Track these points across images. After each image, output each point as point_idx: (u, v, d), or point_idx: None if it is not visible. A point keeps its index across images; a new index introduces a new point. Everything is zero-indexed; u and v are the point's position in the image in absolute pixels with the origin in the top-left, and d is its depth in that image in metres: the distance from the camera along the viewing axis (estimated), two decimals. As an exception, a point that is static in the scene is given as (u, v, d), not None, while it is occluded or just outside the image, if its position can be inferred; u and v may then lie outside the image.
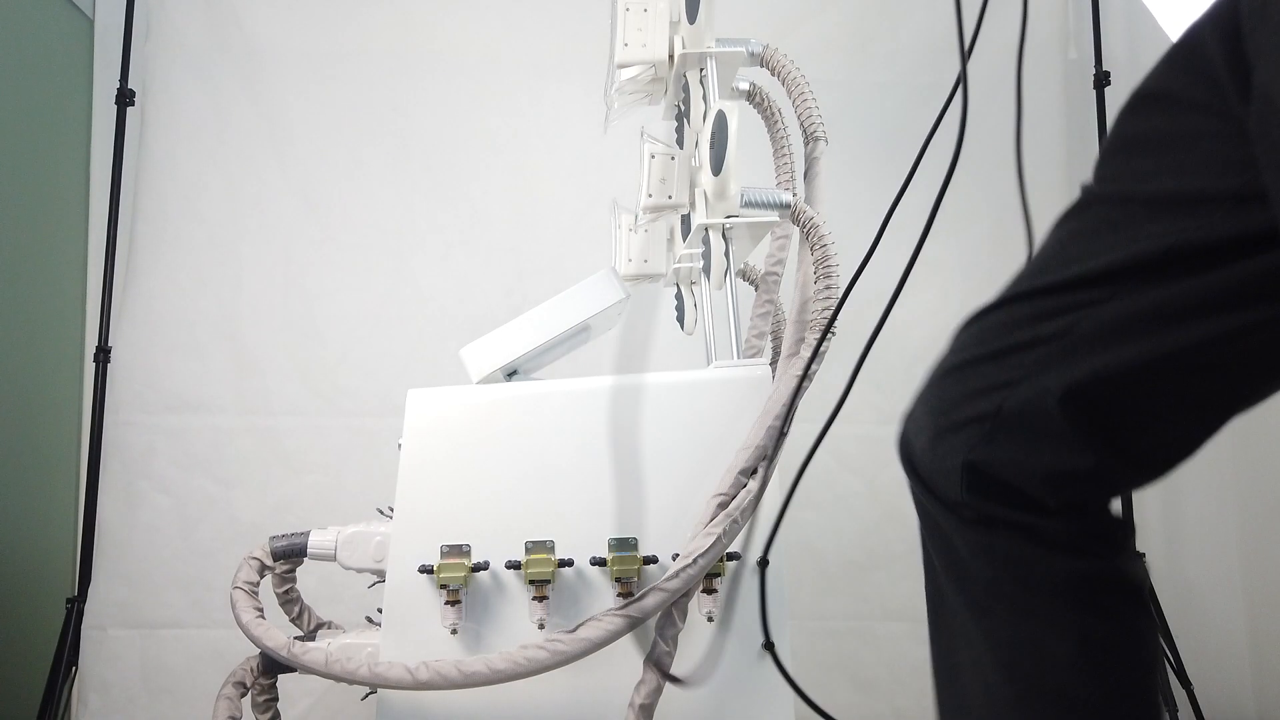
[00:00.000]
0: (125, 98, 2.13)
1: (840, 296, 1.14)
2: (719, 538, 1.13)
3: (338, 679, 1.17)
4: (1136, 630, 0.74)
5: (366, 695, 1.23)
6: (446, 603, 1.19)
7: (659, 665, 1.11)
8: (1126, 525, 0.76)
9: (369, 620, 1.35)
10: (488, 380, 1.36)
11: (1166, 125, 0.72)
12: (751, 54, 1.39)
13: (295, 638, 1.24)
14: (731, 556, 1.19)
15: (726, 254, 1.30)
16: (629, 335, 1.37)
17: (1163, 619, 1.98)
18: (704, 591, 1.18)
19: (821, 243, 1.25)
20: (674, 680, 1.11)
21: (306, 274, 2.15)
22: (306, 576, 1.43)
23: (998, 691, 0.75)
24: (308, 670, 1.19)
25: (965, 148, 1.11)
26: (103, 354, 2.05)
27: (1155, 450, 0.74)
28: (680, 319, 1.60)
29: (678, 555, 1.14)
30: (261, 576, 1.31)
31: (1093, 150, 2.23)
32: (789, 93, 1.37)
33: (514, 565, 1.20)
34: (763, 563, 1.20)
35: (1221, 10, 0.68)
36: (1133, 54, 2.30)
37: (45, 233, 2.07)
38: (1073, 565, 0.73)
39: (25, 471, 1.96)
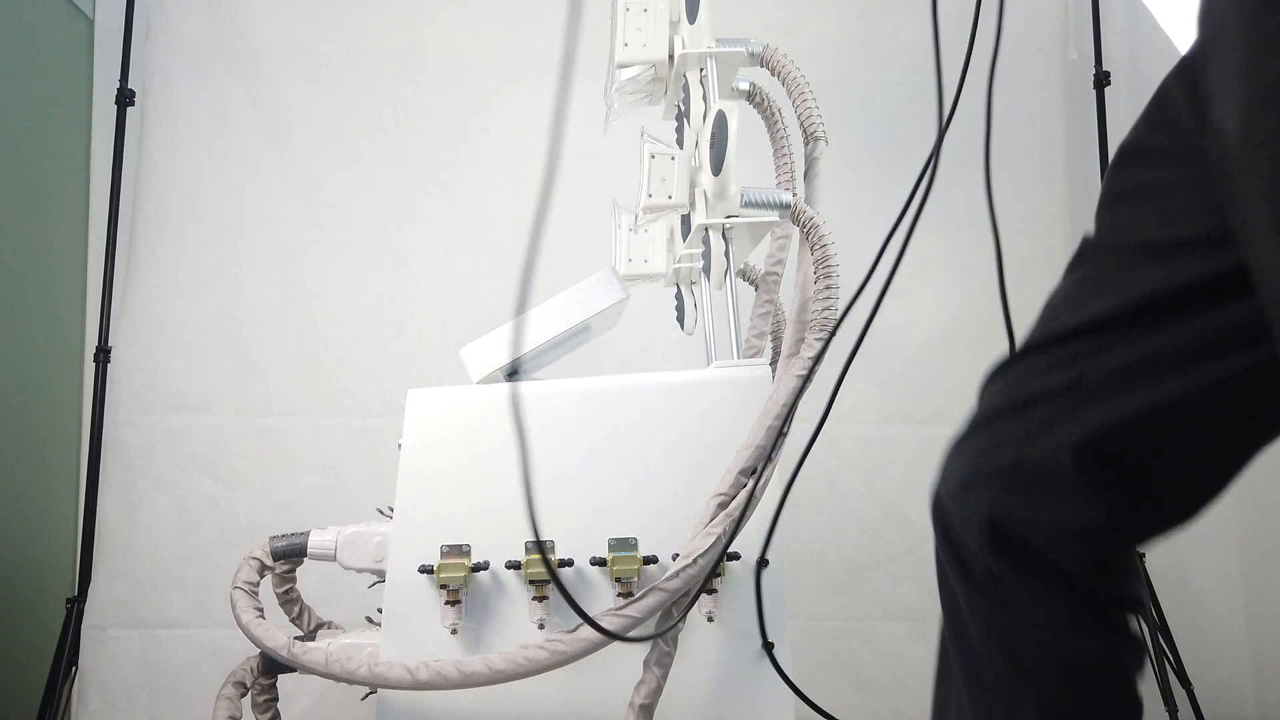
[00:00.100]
0: (125, 98, 2.13)
1: (849, 301, 1.13)
2: (719, 538, 1.13)
3: (338, 679, 1.17)
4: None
5: (366, 695, 1.23)
6: (446, 603, 1.19)
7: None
8: (1135, 603, 0.75)
9: (369, 620, 1.35)
10: (488, 380, 1.36)
11: (1147, 177, 0.74)
12: (751, 54, 1.39)
13: (295, 638, 1.24)
14: (731, 556, 1.19)
15: (726, 254, 1.30)
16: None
17: (1163, 619, 1.98)
18: (704, 591, 1.18)
19: (821, 243, 1.25)
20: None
21: (306, 274, 2.15)
22: (306, 576, 1.43)
23: None
24: (308, 670, 1.19)
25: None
26: (103, 354, 2.05)
27: (1173, 499, 0.73)
28: (680, 319, 1.60)
29: (678, 555, 1.14)
30: (261, 576, 1.31)
31: (1093, 150, 2.24)
32: (789, 93, 1.37)
33: (514, 565, 1.20)
34: (762, 563, 1.20)
35: (1184, 61, 0.71)
36: (1133, 54, 2.30)
37: (45, 233, 2.07)
38: (1071, 647, 0.73)
39: (25, 471, 1.96)
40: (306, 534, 1.31)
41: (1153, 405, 0.68)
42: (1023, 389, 0.76)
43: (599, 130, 1.49)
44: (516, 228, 2.20)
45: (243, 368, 2.10)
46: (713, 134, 1.26)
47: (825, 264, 1.23)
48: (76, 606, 1.94)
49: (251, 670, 1.27)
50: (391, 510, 1.27)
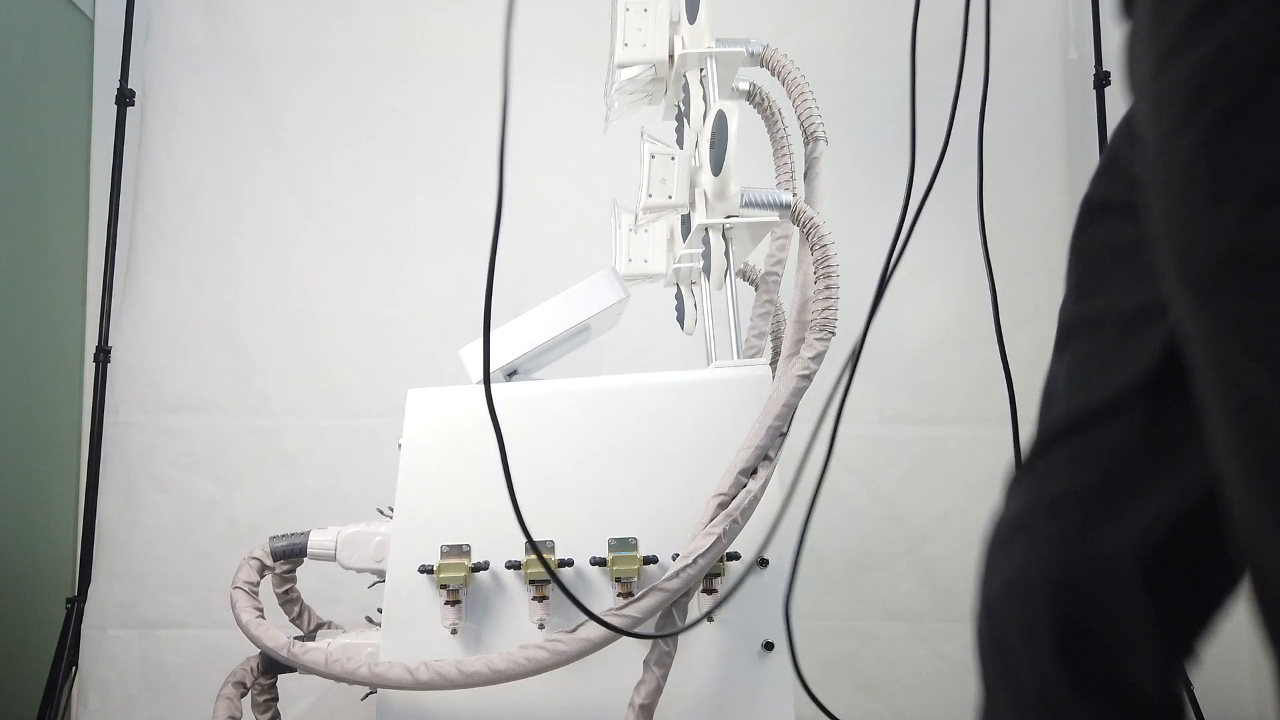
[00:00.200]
0: (125, 98, 2.13)
1: (870, 312, 1.10)
2: (719, 538, 1.13)
3: (338, 679, 1.17)
4: None
5: (366, 695, 1.23)
6: (446, 603, 1.19)
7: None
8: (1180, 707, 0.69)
9: (369, 620, 1.35)
10: (488, 380, 1.36)
11: (1112, 235, 0.70)
12: (751, 54, 1.39)
13: (295, 638, 1.24)
14: (731, 556, 1.19)
15: (726, 254, 1.30)
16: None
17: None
18: (704, 591, 1.18)
19: (821, 243, 1.25)
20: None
21: (306, 274, 2.15)
22: (306, 576, 1.43)
23: None
24: (308, 670, 1.19)
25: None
26: (103, 354, 2.05)
27: (1230, 578, 0.67)
28: (680, 319, 1.60)
29: (678, 555, 1.14)
30: (261, 576, 1.31)
31: (1093, 150, 2.23)
32: (789, 93, 1.37)
33: (514, 565, 1.20)
34: (761, 562, 1.20)
35: (1128, 112, 0.68)
36: (1133, 54, 2.29)
37: (45, 233, 2.07)
38: None
39: (25, 471, 1.96)
40: (306, 534, 1.32)
41: (1186, 495, 0.62)
42: (1050, 489, 0.71)
43: (599, 130, 1.49)
44: (516, 227, 2.20)
45: (243, 368, 2.10)
46: (713, 134, 1.26)
47: (825, 264, 1.23)
48: (76, 606, 1.94)
49: (251, 670, 1.27)
50: (391, 510, 1.27)
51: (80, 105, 2.18)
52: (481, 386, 1.35)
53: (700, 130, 1.33)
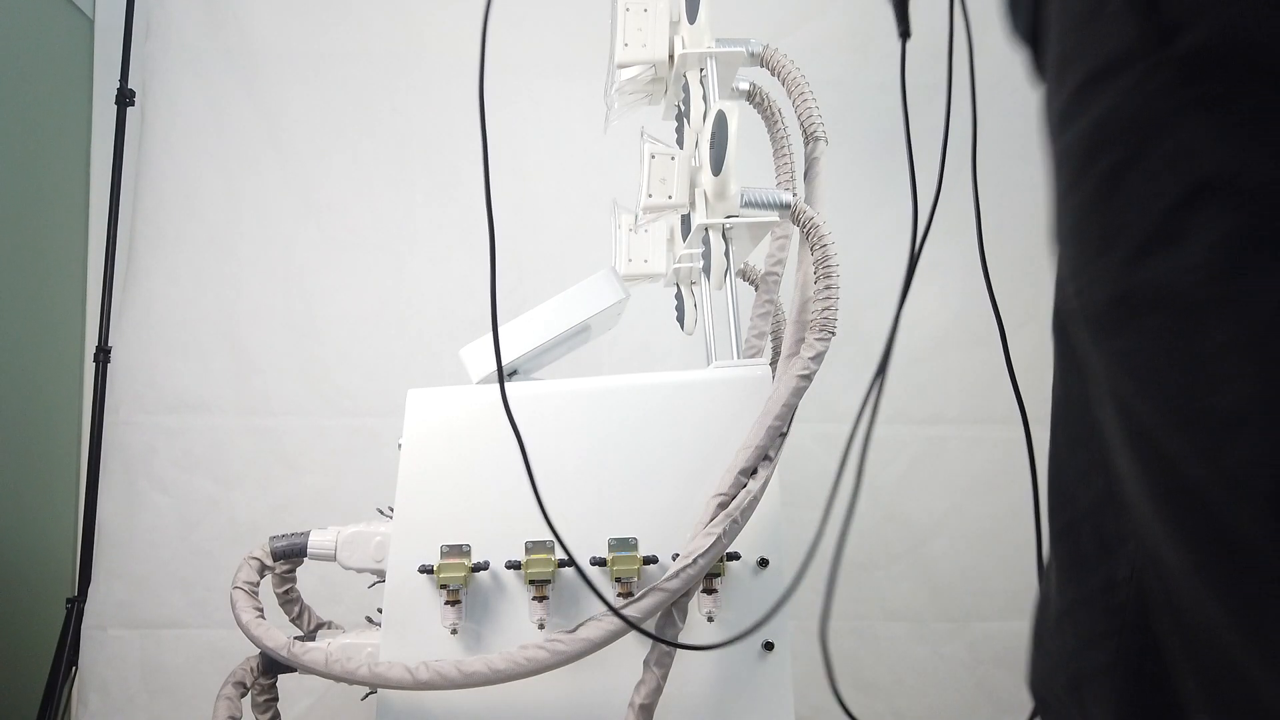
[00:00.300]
0: (125, 98, 2.14)
1: (893, 325, 1.09)
2: (719, 538, 1.13)
3: (338, 679, 1.17)
4: None
5: (366, 695, 1.23)
6: (446, 603, 1.19)
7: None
8: None
9: (369, 620, 1.35)
10: (488, 380, 1.36)
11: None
12: (751, 54, 1.39)
13: (295, 638, 1.24)
14: (731, 557, 1.19)
15: (726, 254, 1.30)
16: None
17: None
18: (704, 591, 1.18)
19: (821, 243, 1.25)
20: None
21: (306, 274, 2.15)
22: (306, 576, 1.43)
23: None
24: (308, 670, 1.19)
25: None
26: (103, 354, 2.05)
27: None
28: (680, 319, 1.60)
29: (678, 555, 1.14)
30: (261, 576, 1.31)
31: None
32: (789, 93, 1.37)
33: (514, 565, 1.20)
34: (761, 563, 1.20)
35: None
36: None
37: (45, 233, 2.07)
38: None
39: (25, 471, 1.96)
40: (306, 534, 1.32)
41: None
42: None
43: (599, 130, 1.49)
44: (516, 227, 2.20)
45: (243, 368, 2.10)
46: (713, 134, 1.26)
47: (825, 264, 1.23)
48: (76, 606, 1.94)
49: (251, 670, 1.27)
50: (391, 510, 1.27)
51: (80, 105, 2.18)
52: (481, 387, 1.35)
53: (700, 130, 1.33)
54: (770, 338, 1.44)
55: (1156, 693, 0.60)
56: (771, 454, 1.18)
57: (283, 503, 2.05)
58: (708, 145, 1.28)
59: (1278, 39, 0.45)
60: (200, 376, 2.08)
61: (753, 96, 1.44)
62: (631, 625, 1.10)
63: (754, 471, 1.17)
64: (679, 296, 1.60)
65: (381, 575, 1.27)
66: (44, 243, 2.06)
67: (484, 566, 1.20)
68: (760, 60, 1.39)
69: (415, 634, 1.20)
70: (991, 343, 1.16)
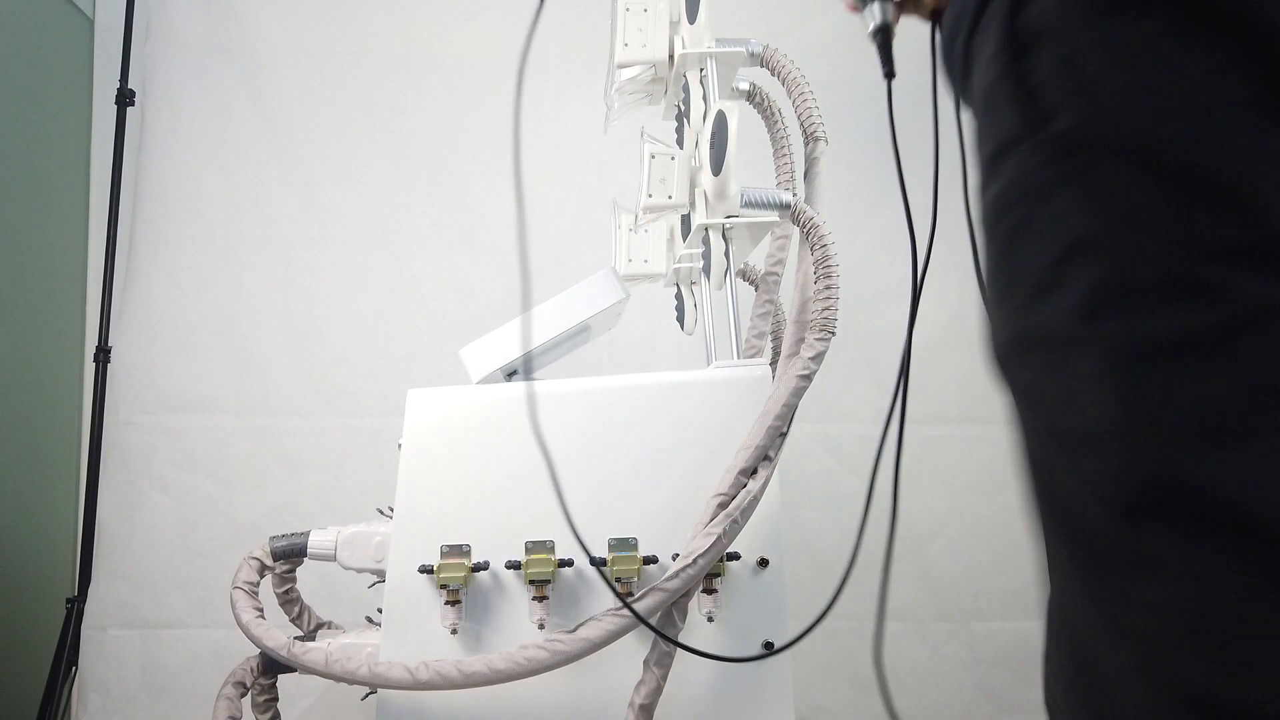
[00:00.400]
0: (125, 98, 2.14)
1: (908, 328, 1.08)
2: (719, 538, 1.13)
3: (338, 679, 1.17)
4: None
5: (366, 695, 1.23)
6: (446, 603, 1.19)
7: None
8: None
9: (369, 620, 1.35)
10: (488, 380, 1.36)
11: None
12: (751, 54, 1.39)
13: (295, 638, 1.24)
14: (731, 557, 1.19)
15: (726, 254, 1.30)
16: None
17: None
18: (704, 591, 1.18)
19: (821, 243, 1.25)
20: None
21: (306, 274, 2.15)
22: (306, 576, 1.43)
23: None
24: (308, 670, 1.19)
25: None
26: (103, 354, 2.05)
27: None
28: (680, 319, 1.60)
29: (678, 555, 1.14)
30: (261, 576, 1.31)
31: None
32: (789, 93, 1.37)
33: (514, 565, 1.20)
34: (761, 562, 1.20)
35: None
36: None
37: (45, 233, 2.07)
38: None
39: (25, 471, 1.96)
40: (306, 534, 1.32)
41: None
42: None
43: (599, 130, 1.49)
44: (516, 227, 2.20)
45: (243, 368, 2.10)
46: (713, 134, 1.26)
47: (825, 264, 1.23)
48: (76, 606, 1.94)
49: (251, 670, 1.27)
50: (391, 510, 1.27)
51: (80, 105, 2.18)
52: (481, 387, 1.36)
53: (700, 130, 1.33)
54: (770, 338, 1.44)
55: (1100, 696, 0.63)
56: (771, 454, 1.18)
57: (283, 503, 2.05)
58: (708, 145, 1.28)
59: (1124, 124, 0.55)
60: (200, 376, 2.08)
61: (753, 96, 1.44)
62: (675, 643, 1.10)
63: (754, 471, 1.17)
64: (679, 296, 1.60)
65: (381, 575, 1.27)
66: (44, 243, 2.06)
67: (484, 566, 1.21)
68: (760, 60, 1.39)
69: (415, 634, 1.20)
70: (991, 343, 1.16)
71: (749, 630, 1.19)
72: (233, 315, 2.12)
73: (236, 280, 2.13)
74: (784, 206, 1.29)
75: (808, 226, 1.28)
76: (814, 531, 2.11)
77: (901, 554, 2.14)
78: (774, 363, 1.36)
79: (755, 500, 1.16)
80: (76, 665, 1.93)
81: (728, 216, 1.28)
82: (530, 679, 1.12)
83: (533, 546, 1.19)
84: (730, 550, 1.17)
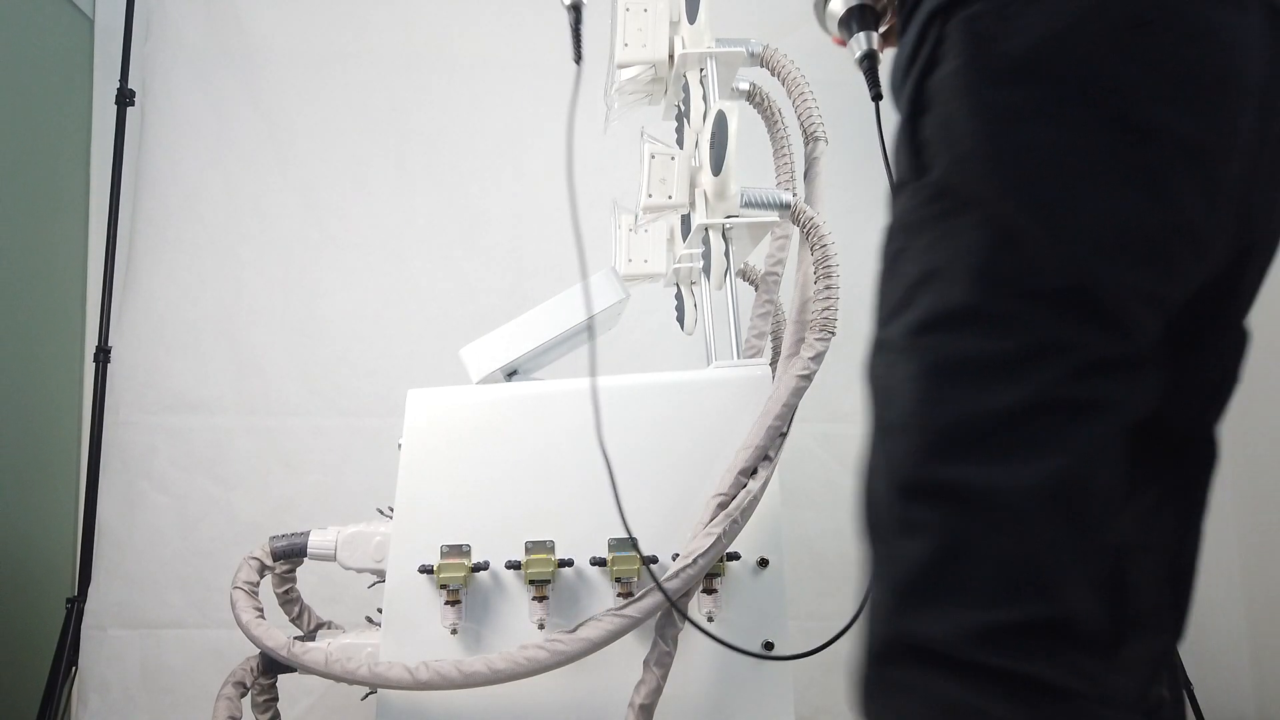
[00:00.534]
0: (125, 98, 2.13)
1: None
2: (719, 538, 1.13)
3: (338, 679, 1.18)
4: None
5: (366, 695, 1.23)
6: (446, 603, 1.19)
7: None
8: None
9: (369, 620, 1.35)
10: (488, 380, 1.36)
11: None
12: (751, 54, 1.39)
13: (295, 638, 1.24)
14: (731, 556, 1.19)
15: (726, 254, 1.30)
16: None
17: (1163, 619, 1.98)
18: (704, 591, 1.18)
19: (821, 243, 1.25)
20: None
21: (307, 274, 2.15)
22: (306, 576, 1.43)
23: None
24: (308, 670, 1.19)
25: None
26: (103, 354, 2.05)
27: None
28: (680, 319, 1.60)
29: (678, 555, 1.14)
30: (261, 576, 1.31)
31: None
32: (789, 93, 1.37)
33: (514, 565, 1.20)
34: (761, 562, 1.20)
35: None
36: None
37: (45, 233, 2.07)
38: None
39: (25, 471, 1.96)
40: (306, 534, 1.32)
41: None
42: None
43: (599, 130, 1.49)
44: (516, 227, 2.21)
45: (243, 368, 2.10)
46: (713, 134, 1.26)
47: (825, 264, 1.23)
48: (76, 606, 1.94)
49: (251, 670, 1.27)
50: (391, 510, 1.27)
51: (80, 105, 2.18)
52: (481, 387, 1.36)
53: (700, 130, 1.33)
54: (770, 338, 1.44)
55: None
56: (771, 454, 1.18)
57: (283, 503, 2.05)
58: (708, 145, 1.28)
59: (973, 181, 0.66)
60: (200, 376, 2.08)
61: (753, 96, 1.44)
62: (705, 629, 1.10)
63: (754, 471, 1.17)
64: (679, 296, 1.60)
65: (381, 575, 1.27)
66: (44, 243, 2.06)
67: (484, 566, 1.20)
68: (760, 60, 1.39)
69: (415, 634, 1.20)
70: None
71: (749, 630, 1.19)
72: (233, 315, 2.12)
73: (236, 280, 2.13)
74: (784, 206, 1.29)
75: (808, 226, 1.28)
76: (814, 531, 2.10)
77: (901, 554, 2.14)
78: (774, 363, 1.36)
79: (755, 500, 1.16)
80: (76, 665, 1.93)
81: (728, 216, 1.28)
82: (530, 679, 1.12)
83: (533, 546, 1.19)
84: (730, 550, 1.17)
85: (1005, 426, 0.61)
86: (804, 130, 1.36)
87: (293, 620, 1.44)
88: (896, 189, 0.73)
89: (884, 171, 0.94)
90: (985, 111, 0.66)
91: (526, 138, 2.23)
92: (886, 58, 1.03)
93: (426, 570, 1.20)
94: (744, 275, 1.54)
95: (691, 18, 1.39)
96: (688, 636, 1.18)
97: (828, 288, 1.22)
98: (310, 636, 1.32)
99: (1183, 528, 0.80)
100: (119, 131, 2.13)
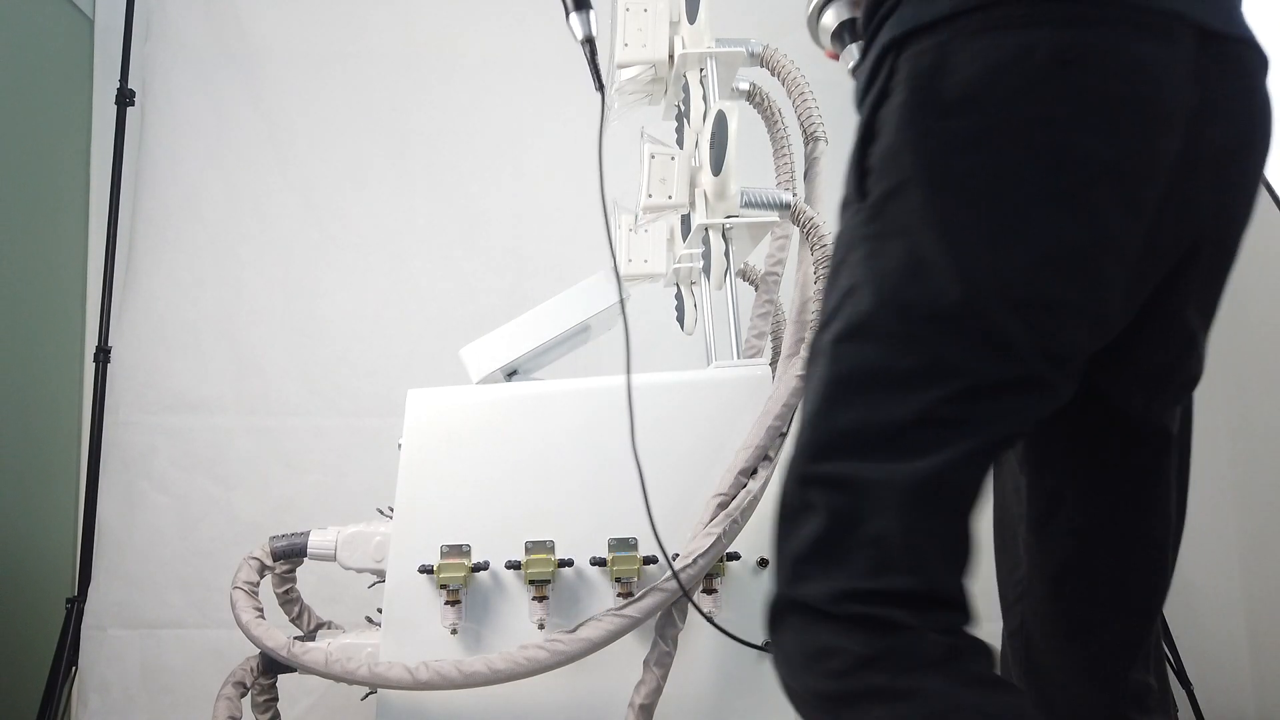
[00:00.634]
0: (125, 98, 2.13)
1: None
2: (719, 538, 1.13)
3: (338, 679, 1.18)
4: None
5: (366, 695, 1.23)
6: (446, 603, 1.19)
7: None
8: None
9: (369, 620, 1.35)
10: (488, 380, 1.36)
11: None
12: (751, 54, 1.39)
13: (295, 638, 1.24)
14: (731, 556, 1.19)
15: (726, 254, 1.30)
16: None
17: (1163, 619, 1.98)
18: (704, 591, 1.18)
19: (821, 243, 1.25)
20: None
21: (307, 274, 2.15)
22: (306, 576, 1.43)
23: None
24: (308, 670, 1.19)
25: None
26: (103, 354, 2.05)
27: None
28: (680, 319, 1.60)
29: (678, 555, 1.14)
30: (261, 576, 1.31)
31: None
32: (789, 93, 1.37)
33: (514, 565, 1.19)
34: (761, 562, 1.20)
35: None
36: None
37: (45, 233, 2.07)
38: None
39: (25, 471, 1.96)
40: (306, 534, 1.32)
41: None
42: None
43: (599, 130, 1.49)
44: (516, 227, 2.21)
45: (243, 368, 2.10)
46: (713, 134, 1.26)
47: (825, 264, 1.23)
48: (76, 606, 1.94)
49: (251, 670, 1.27)
50: (391, 510, 1.27)
51: (80, 105, 2.18)
52: (481, 387, 1.36)
53: (700, 130, 1.33)
54: (770, 338, 1.44)
55: None
56: (771, 454, 1.18)
57: (283, 503, 2.05)
58: (708, 145, 1.28)
59: (900, 209, 0.72)
60: (200, 376, 2.08)
61: (753, 96, 1.44)
62: (712, 618, 1.09)
63: (754, 471, 1.17)
64: (679, 296, 1.60)
65: (381, 575, 1.27)
66: (44, 243, 2.06)
67: (484, 566, 1.20)
68: (760, 60, 1.39)
69: (415, 634, 1.20)
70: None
71: (749, 629, 1.19)
72: (233, 315, 2.12)
73: (236, 280, 2.13)
74: (784, 206, 1.29)
75: (808, 226, 1.28)
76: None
77: (901, 554, 2.14)
78: (774, 363, 1.36)
79: (755, 500, 1.16)
80: (76, 665, 1.93)
81: (728, 216, 1.28)
82: (530, 679, 1.12)
83: (533, 546, 1.19)
84: (730, 550, 1.17)
85: (890, 435, 0.70)
86: (804, 130, 1.36)
87: (293, 620, 1.44)
88: (843, 206, 0.79)
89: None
90: (922, 144, 0.72)
91: (526, 138, 2.23)
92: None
93: (426, 570, 1.20)
94: (744, 275, 1.54)
95: (691, 18, 1.39)
96: (688, 636, 1.18)
97: (828, 288, 1.22)
98: (310, 636, 1.32)
99: (1143, 511, 0.86)
100: (119, 131, 2.13)
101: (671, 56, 1.40)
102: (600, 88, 1.15)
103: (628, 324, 1.22)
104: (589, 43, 1.15)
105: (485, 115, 2.22)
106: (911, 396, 0.70)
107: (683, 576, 1.11)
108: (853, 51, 1.09)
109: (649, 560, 1.18)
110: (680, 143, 1.44)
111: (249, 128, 2.17)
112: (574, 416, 1.27)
